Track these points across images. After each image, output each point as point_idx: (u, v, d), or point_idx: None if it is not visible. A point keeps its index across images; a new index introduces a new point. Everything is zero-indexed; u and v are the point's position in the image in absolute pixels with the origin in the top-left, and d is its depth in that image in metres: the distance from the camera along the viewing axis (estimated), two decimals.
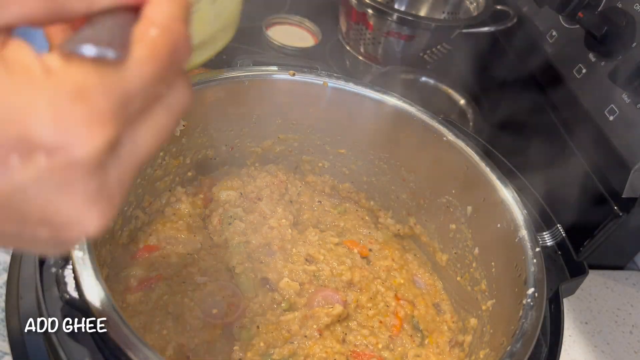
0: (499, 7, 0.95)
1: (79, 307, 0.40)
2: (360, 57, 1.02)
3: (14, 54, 0.23)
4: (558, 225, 0.60)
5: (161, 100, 0.27)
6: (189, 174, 0.67)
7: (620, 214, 0.74)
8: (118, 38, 0.25)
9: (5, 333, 0.45)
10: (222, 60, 1.00)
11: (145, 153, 0.26)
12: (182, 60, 0.27)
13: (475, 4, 0.99)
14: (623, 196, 0.73)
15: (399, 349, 0.60)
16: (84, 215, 0.24)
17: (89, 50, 0.23)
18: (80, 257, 0.42)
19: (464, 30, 0.92)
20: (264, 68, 0.64)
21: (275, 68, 0.64)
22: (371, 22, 0.94)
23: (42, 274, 0.43)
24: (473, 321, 0.60)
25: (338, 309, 0.59)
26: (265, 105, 0.66)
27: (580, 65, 0.80)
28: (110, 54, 0.23)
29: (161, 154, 0.61)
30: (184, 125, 0.61)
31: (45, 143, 0.22)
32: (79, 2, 0.25)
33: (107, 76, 0.23)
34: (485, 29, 0.92)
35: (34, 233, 0.24)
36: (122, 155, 0.25)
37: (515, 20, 0.93)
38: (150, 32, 0.26)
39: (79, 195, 0.23)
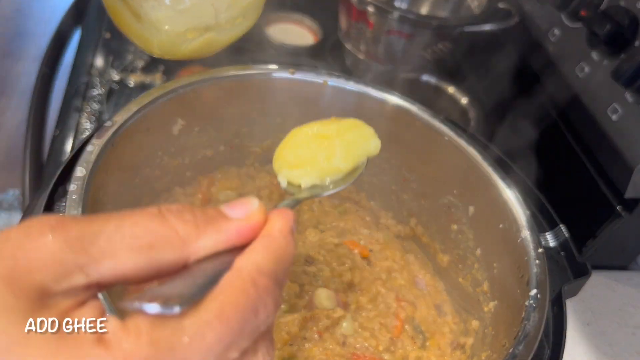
0: (500, 5, 0.95)
1: None
2: (361, 56, 1.02)
3: (79, 316, 0.22)
4: (561, 225, 0.59)
5: None
6: (188, 173, 0.66)
7: (623, 214, 0.73)
8: (197, 291, 0.23)
9: None
10: (221, 59, 0.99)
11: None
12: (263, 323, 0.24)
13: (476, 3, 0.98)
14: (626, 196, 0.72)
15: (400, 351, 0.59)
16: None
17: (152, 307, 0.22)
18: None
19: (466, 29, 0.91)
20: (263, 66, 0.64)
21: (275, 66, 0.64)
22: (372, 20, 0.93)
23: None
24: (475, 323, 0.59)
25: (338, 311, 0.59)
26: (265, 104, 0.66)
27: (582, 63, 0.80)
28: (175, 309, 0.22)
29: (159, 153, 0.61)
30: (182, 125, 0.61)
31: None
32: (173, 254, 0.24)
33: (162, 347, 0.22)
34: (487, 27, 0.91)
35: None
36: None
37: (517, 18, 0.92)
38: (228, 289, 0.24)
39: None
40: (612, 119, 0.74)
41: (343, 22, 1.02)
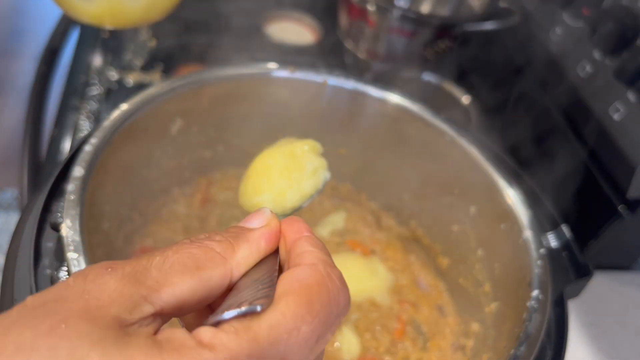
0: (502, 4, 0.95)
1: None
2: (361, 55, 1.01)
3: (167, 334, 0.24)
4: (562, 226, 0.59)
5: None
6: (186, 174, 0.66)
7: (625, 214, 0.73)
8: (260, 291, 0.25)
9: None
10: (220, 58, 0.99)
11: None
12: (342, 313, 0.27)
13: (478, 1, 0.98)
14: (628, 196, 0.72)
15: (401, 352, 0.59)
16: None
17: (230, 313, 0.24)
18: (75, 259, 0.41)
19: (467, 28, 0.91)
20: (263, 65, 0.63)
21: (274, 65, 0.63)
22: (372, 18, 0.93)
23: (37, 276, 0.42)
24: (476, 324, 0.59)
25: None
26: (264, 103, 0.65)
27: (584, 62, 0.79)
28: (257, 307, 0.24)
29: (158, 153, 0.60)
30: (181, 125, 0.60)
31: None
32: (218, 270, 0.27)
33: (263, 343, 0.23)
34: (489, 26, 0.91)
35: None
36: None
37: (518, 17, 0.92)
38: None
39: None
40: (614, 119, 0.73)
41: (343, 20, 1.02)
